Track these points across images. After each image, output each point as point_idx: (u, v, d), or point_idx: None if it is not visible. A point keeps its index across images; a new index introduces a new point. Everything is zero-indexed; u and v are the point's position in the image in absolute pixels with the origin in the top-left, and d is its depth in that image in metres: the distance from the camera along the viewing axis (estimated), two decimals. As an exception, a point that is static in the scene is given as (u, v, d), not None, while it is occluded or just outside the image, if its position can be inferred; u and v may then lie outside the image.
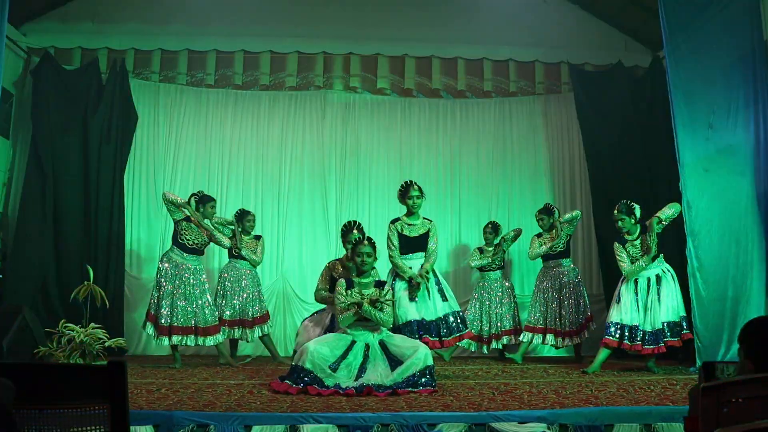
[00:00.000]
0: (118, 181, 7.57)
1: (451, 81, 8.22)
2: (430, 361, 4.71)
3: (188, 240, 6.23)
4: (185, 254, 6.21)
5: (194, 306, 6.13)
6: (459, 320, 5.51)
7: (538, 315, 6.78)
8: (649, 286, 5.80)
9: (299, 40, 8.00)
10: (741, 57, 5.74)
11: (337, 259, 5.71)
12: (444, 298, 5.50)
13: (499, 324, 7.05)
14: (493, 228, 7.33)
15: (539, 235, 6.95)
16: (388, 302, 4.95)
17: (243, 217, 6.86)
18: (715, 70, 5.76)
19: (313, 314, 5.78)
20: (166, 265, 6.18)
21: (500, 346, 7.08)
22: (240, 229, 6.78)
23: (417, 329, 5.26)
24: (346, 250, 5.63)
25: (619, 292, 5.90)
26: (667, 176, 6.68)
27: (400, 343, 4.86)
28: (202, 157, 8.02)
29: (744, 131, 5.65)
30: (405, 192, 5.70)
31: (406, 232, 5.65)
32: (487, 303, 7.11)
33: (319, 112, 8.21)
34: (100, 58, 7.76)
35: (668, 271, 5.87)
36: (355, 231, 5.62)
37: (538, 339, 6.78)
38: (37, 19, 7.84)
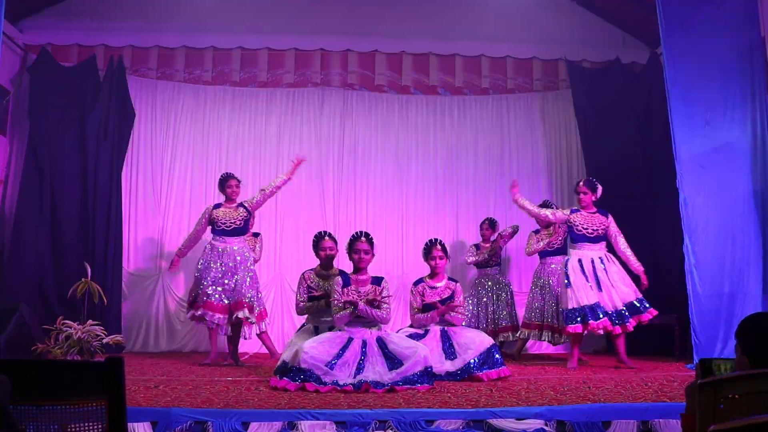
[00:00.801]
0: (116, 177, 7.56)
1: (449, 78, 8.23)
2: (429, 363, 4.69)
3: (224, 223, 6.21)
4: (226, 237, 6.21)
5: (231, 285, 6.05)
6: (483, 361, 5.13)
7: (535, 312, 6.78)
8: (594, 266, 5.84)
9: (297, 37, 8.00)
10: (738, 54, 5.74)
11: (310, 269, 5.50)
12: (454, 356, 5.17)
13: (496, 321, 7.05)
14: (489, 224, 7.33)
15: (536, 232, 6.95)
16: (386, 300, 4.92)
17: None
18: (713, 67, 5.75)
19: (298, 330, 5.62)
20: (207, 252, 6.20)
21: (497, 343, 7.08)
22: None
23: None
24: (319, 258, 5.48)
25: (566, 278, 5.86)
26: (664, 173, 6.69)
27: (399, 342, 4.82)
28: (200, 153, 8.01)
29: (741, 128, 5.65)
30: (428, 252, 5.46)
31: (426, 297, 5.41)
32: (485, 300, 7.10)
33: (316, 109, 8.20)
34: (97, 55, 7.74)
35: (610, 257, 5.95)
36: (326, 238, 5.47)
37: (535, 336, 6.79)
38: (35, 15, 7.81)
